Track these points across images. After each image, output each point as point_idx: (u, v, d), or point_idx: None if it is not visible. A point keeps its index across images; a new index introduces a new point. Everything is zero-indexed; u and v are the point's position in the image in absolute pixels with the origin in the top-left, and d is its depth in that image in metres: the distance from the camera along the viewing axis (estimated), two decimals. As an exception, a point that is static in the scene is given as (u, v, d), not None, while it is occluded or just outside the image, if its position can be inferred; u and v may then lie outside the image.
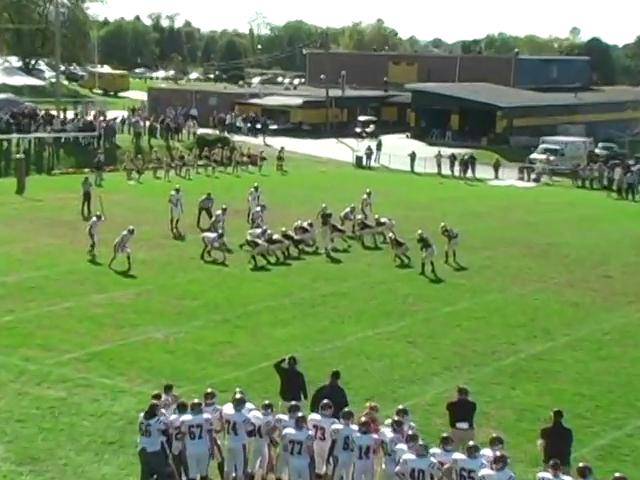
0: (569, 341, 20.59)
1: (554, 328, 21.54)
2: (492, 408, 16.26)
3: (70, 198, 35.98)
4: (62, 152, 48.72)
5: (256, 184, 34.87)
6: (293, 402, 13.00)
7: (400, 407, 12.98)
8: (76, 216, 33.16)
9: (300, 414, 12.45)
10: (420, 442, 11.74)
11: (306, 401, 13.87)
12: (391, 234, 29.07)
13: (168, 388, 13.66)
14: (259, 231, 27.99)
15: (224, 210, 30.02)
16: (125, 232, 25.89)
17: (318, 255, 28.55)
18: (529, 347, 20.03)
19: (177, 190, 31.91)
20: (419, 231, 27.08)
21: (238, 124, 64.85)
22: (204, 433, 12.41)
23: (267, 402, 13.04)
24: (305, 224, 29.25)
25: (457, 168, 51.79)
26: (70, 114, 56.21)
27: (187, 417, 12.49)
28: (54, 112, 53.76)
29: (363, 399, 15.78)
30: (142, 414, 12.66)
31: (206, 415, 12.56)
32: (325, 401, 12.76)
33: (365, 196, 34.33)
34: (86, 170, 43.43)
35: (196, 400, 12.83)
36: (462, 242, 28.34)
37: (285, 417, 12.66)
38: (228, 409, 12.76)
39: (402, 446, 11.89)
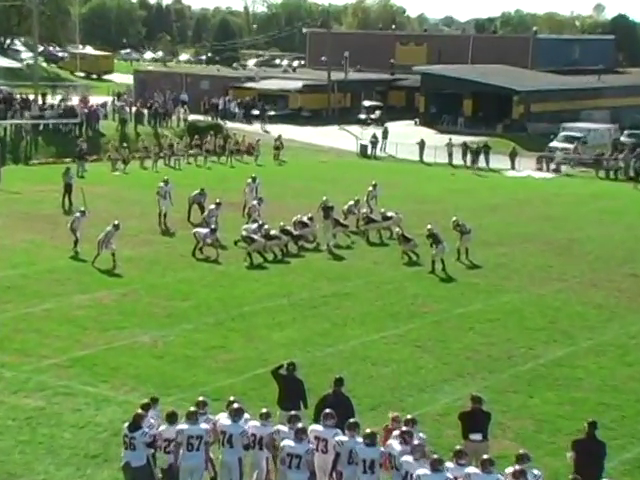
0: (592, 345, 20.57)
1: (576, 331, 21.53)
2: (508, 418, 16.26)
3: (50, 190, 35.99)
4: (41, 140, 48.74)
5: (254, 175, 34.91)
6: (292, 412, 12.97)
7: (409, 417, 12.97)
8: (56, 210, 33.21)
9: (300, 425, 12.41)
10: (435, 455, 11.70)
11: (306, 410, 13.86)
12: (398, 229, 29.07)
13: (154, 401, 13.46)
14: (255, 226, 27.97)
15: (218, 204, 29.93)
16: (109, 227, 25.88)
17: (319, 252, 28.56)
18: (548, 352, 20.01)
19: (166, 182, 31.90)
20: (429, 226, 27.10)
21: (232, 110, 64.86)
22: (202, 445, 12.40)
23: (265, 410, 13.00)
24: (305, 218, 29.25)
25: (470, 157, 51.77)
26: (50, 99, 56.17)
27: (184, 426, 12.42)
28: (32, 96, 53.74)
29: (368, 408, 15.85)
30: (125, 425, 12.65)
31: (205, 425, 12.53)
32: (327, 410, 12.71)
33: (370, 188, 34.34)
34: (67, 160, 43.48)
35: (192, 408, 12.75)
36: (475, 238, 28.34)
37: (285, 428, 12.64)
38: (224, 419, 12.74)
39: (408, 458, 11.85)
